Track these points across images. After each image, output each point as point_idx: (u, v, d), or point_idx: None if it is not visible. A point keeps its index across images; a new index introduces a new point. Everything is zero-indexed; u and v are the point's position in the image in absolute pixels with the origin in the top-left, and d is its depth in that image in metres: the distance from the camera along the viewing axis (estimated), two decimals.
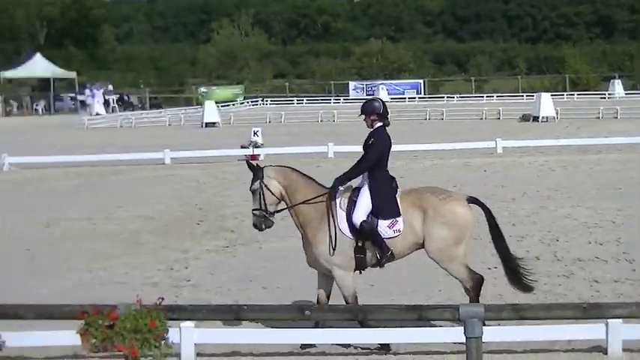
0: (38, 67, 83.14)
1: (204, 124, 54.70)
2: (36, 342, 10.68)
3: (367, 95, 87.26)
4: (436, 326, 10.83)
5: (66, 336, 10.06)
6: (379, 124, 11.29)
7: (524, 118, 51.97)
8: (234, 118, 59.66)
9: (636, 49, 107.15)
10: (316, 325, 10.87)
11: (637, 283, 13.80)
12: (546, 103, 51.14)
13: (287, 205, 11.22)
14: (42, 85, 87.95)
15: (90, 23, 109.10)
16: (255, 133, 35.58)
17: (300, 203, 11.09)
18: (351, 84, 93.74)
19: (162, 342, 8.83)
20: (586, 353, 10.51)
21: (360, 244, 10.98)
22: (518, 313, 9.32)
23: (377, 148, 11.13)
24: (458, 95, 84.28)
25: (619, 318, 9.98)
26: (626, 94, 77.77)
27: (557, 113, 51.73)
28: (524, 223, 19.17)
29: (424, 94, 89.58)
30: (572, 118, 51.48)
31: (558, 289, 13.61)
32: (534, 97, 55.96)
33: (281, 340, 10.85)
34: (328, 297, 11.33)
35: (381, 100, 11.67)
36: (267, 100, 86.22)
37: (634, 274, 14.35)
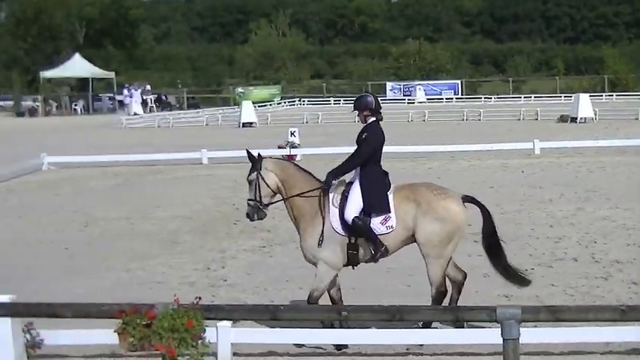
0: (77, 67, 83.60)
1: (241, 124, 54.80)
2: (73, 340, 10.75)
3: (404, 96, 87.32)
4: (473, 327, 10.81)
5: (103, 335, 10.12)
6: (372, 118, 11.30)
7: (563, 119, 51.62)
8: (271, 119, 59.75)
9: None
10: (338, 326, 10.91)
11: None
12: (585, 104, 50.78)
13: (283, 198, 11.31)
14: (81, 85, 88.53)
15: (128, 23, 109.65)
16: (292, 134, 35.61)
17: (293, 196, 11.18)
18: (389, 84, 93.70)
19: (199, 341, 8.85)
20: (624, 356, 10.45)
21: (352, 240, 11.04)
22: (555, 315, 9.25)
23: (370, 143, 11.14)
24: (495, 96, 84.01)
25: None
26: None
27: (595, 114, 51.36)
28: (561, 225, 19.07)
29: (461, 94, 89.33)
30: (611, 119, 51.10)
31: (596, 291, 13.52)
32: (572, 98, 55.63)
33: (317, 341, 10.87)
34: (339, 290, 11.45)
35: (374, 95, 11.71)
36: (304, 101, 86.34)
37: None
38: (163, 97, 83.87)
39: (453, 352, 10.63)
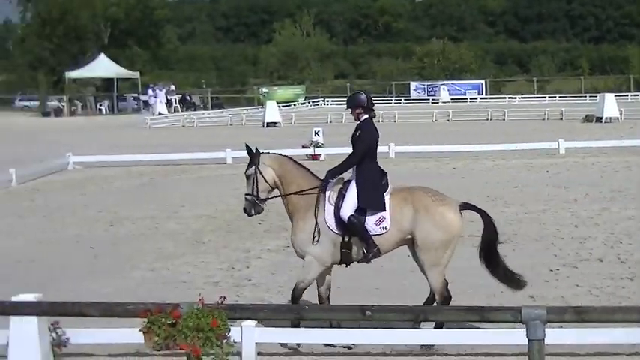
0: (102, 67, 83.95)
1: (265, 124, 54.87)
2: (99, 339, 10.82)
3: (428, 95, 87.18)
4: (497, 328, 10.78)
5: (128, 333, 10.18)
6: (365, 116, 11.35)
7: (587, 118, 51.41)
8: (295, 118, 59.80)
9: None
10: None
11: None
12: (610, 104, 50.57)
13: (280, 193, 11.39)
14: (106, 85, 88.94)
15: (153, 23, 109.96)
16: (316, 133, 35.64)
17: (292, 194, 11.26)
18: (413, 84, 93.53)
19: (224, 340, 8.86)
20: None
21: (346, 239, 11.07)
22: (581, 316, 9.22)
23: (364, 140, 11.20)
24: (520, 96, 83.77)
25: None
26: None
27: (620, 114, 51.14)
28: (586, 225, 19.00)
29: (486, 94, 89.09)
30: (637, 119, 50.82)
31: (622, 291, 13.46)
32: (597, 98, 55.40)
33: (341, 340, 10.90)
34: (329, 289, 11.55)
35: (366, 92, 11.72)
36: (328, 101, 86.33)
37: None
38: (187, 97, 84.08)
39: (477, 352, 10.62)
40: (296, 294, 11.32)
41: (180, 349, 8.75)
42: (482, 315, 9.26)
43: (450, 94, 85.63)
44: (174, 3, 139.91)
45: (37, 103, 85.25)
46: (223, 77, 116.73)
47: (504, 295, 12.92)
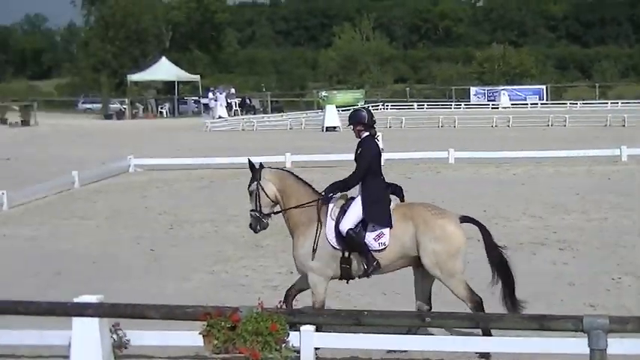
0: (163, 70, 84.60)
1: (324, 128, 54.86)
2: (159, 341, 10.92)
3: (488, 101, 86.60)
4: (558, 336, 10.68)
5: (188, 336, 10.26)
6: (366, 133, 11.43)
7: None
8: None
9: None
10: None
11: None
12: None
13: (281, 209, 11.40)
14: (166, 88, 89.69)
15: (214, 27, 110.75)
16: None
17: (292, 208, 11.27)
18: (472, 89, 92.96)
19: (283, 345, 8.89)
20: None
21: (346, 254, 11.09)
22: None
23: (365, 157, 11.26)
24: (581, 101, 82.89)
25: None
26: None
27: None
28: None
29: (546, 100, 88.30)
30: None
31: None
32: None
33: (399, 346, 10.89)
34: (298, 292, 11.65)
35: (368, 109, 11.84)
36: (387, 105, 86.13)
37: None
38: (247, 101, 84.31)
39: None
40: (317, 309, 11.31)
41: (240, 353, 8.79)
42: (542, 324, 9.18)
43: (510, 100, 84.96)
44: (234, 6, 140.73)
45: (99, 105, 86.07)
46: (283, 81, 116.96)
47: (564, 303, 12.82)
